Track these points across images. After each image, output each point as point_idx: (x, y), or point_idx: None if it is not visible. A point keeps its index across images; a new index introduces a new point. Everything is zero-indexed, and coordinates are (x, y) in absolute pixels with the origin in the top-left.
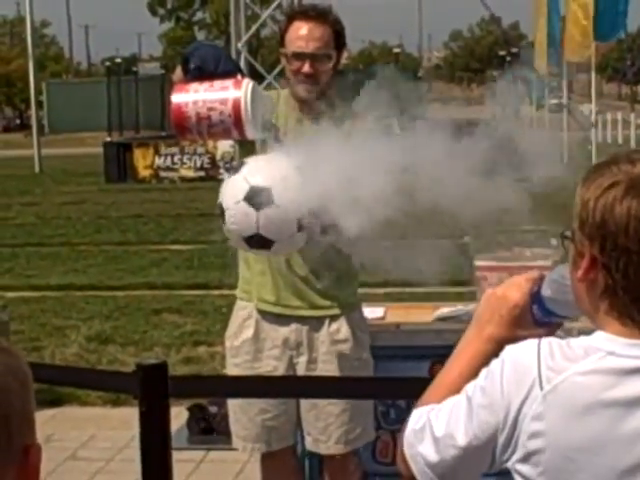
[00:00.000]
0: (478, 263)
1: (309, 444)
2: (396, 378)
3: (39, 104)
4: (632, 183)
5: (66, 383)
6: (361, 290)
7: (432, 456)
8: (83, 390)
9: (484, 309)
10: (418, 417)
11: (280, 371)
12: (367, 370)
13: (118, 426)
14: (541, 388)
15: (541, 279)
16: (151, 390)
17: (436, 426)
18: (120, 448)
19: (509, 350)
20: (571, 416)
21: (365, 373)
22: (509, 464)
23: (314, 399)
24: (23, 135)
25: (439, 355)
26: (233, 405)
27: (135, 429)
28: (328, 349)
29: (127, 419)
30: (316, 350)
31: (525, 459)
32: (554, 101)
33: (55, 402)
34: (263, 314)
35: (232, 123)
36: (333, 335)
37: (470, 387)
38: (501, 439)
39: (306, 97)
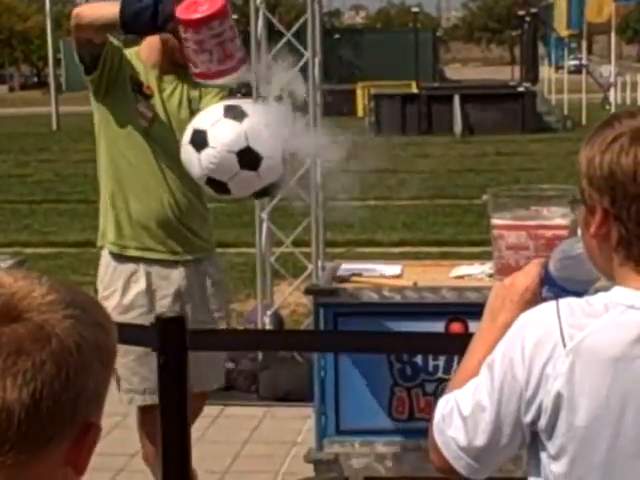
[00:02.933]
0: (495, 222)
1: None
2: (412, 333)
3: (57, 62)
4: (636, 134)
5: None
6: (378, 249)
7: (462, 438)
8: None
9: (494, 299)
10: (445, 403)
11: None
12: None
13: None
14: (564, 346)
15: (547, 262)
16: (170, 342)
17: (462, 405)
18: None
19: (527, 314)
20: (595, 372)
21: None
22: (538, 428)
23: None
24: (40, 93)
25: (456, 312)
26: (129, 361)
27: None
28: (210, 290)
29: None
30: (202, 291)
31: (550, 419)
32: (573, 62)
33: None
34: (149, 263)
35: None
36: (213, 276)
37: (489, 357)
38: (524, 403)
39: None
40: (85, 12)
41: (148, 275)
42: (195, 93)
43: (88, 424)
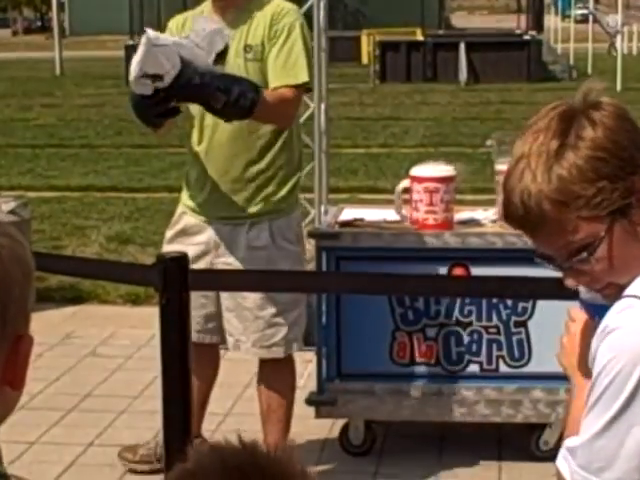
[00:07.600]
0: (499, 167)
1: (231, 346)
2: (414, 275)
3: (60, 6)
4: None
5: (88, 276)
6: (381, 196)
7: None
8: (103, 288)
9: (564, 360)
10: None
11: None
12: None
13: (138, 325)
14: None
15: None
16: (172, 282)
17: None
18: (139, 346)
19: (618, 336)
20: None
21: None
22: None
23: (237, 299)
24: (44, 37)
25: (459, 258)
26: None
27: (154, 329)
28: (244, 255)
29: (147, 319)
30: (233, 254)
31: None
32: (580, 11)
33: (76, 300)
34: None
35: None
36: (251, 241)
37: (592, 396)
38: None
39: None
40: None
41: (188, 221)
42: (256, 41)
43: (19, 336)
